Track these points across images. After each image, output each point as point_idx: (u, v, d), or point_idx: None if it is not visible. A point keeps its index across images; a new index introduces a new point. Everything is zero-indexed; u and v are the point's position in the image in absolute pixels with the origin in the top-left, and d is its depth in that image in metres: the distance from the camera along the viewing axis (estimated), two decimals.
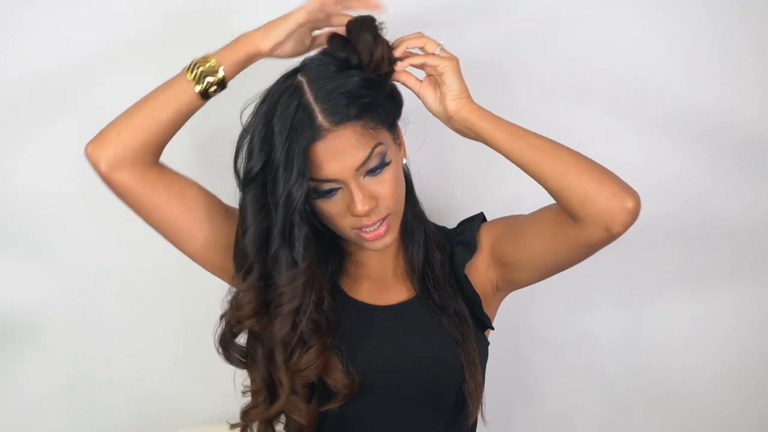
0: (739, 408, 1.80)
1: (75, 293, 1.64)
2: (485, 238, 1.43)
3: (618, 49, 1.66)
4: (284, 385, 1.31)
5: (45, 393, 1.70)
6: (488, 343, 1.45)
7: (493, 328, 1.44)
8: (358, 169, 1.27)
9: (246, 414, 1.36)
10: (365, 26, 1.30)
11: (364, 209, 1.27)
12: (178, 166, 1.36)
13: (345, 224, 1.30)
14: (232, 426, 1.39)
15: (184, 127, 1.49)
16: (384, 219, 1.31)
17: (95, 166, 1.30)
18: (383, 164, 1.29)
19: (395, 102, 1.35)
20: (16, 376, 1.69)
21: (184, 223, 1.34)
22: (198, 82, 1.30)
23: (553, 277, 1.42)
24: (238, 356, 1.35)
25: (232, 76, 1.32)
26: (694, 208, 1.72)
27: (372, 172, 1.29)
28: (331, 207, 1.29)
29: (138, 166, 1.30)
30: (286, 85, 1.28)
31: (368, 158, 1.27)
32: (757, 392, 1.79)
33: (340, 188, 1.28)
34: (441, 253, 1.42)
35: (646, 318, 1.78)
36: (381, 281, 1.42)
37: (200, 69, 1.30)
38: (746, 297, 1.76)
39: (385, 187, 1.30)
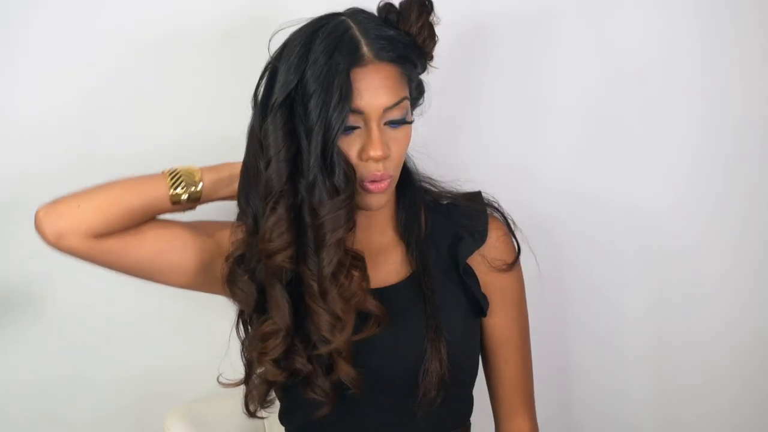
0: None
1: (75, 268, 1.64)
2: (492, 252, 1.41)
3: (620, 48, 1.66)
4: (344, 317, 1.27)
5: (44, 366, 1.69)
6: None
7: (485, 315, 1.42)
8: (386, 110, 1.26)
9: (263, 355, 1.31)
10: (414, 1, 1.31)
11: (378, 153, 1.25)
12: None
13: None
14: (223, 386, 1.38)
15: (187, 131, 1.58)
16: (389, 177, 1.29)
17: (41, 234, 1.30)
18: (404, 121, 1.29)
19: (422, 87, 1.35)
20: (16, 349, 1.69)
21: (161, 275, 1.37)
22: (173, 187, 1.32)
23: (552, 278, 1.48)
24: (244, 291, 1.32)
25: (208, 197, 1.35)
26: (692, 207, 1.72)
27: (393, 123, 1.28)
28: (344, 145, 1.26)
29: (91, 238, 1.30)
30: (329, 19, 1.28)
31: (397, 104, 1.26)
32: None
33: (358, 127, 1.26)
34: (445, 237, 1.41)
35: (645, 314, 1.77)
36: (376, 253, 1.39)
37: (180, 175, 1.33)
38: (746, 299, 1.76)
39: (399, 144, 1.29)
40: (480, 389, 1.47)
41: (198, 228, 1.39)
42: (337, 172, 1.24)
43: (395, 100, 1.26)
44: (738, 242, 1.72)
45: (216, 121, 1.64)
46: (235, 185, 1.34)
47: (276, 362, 1.31)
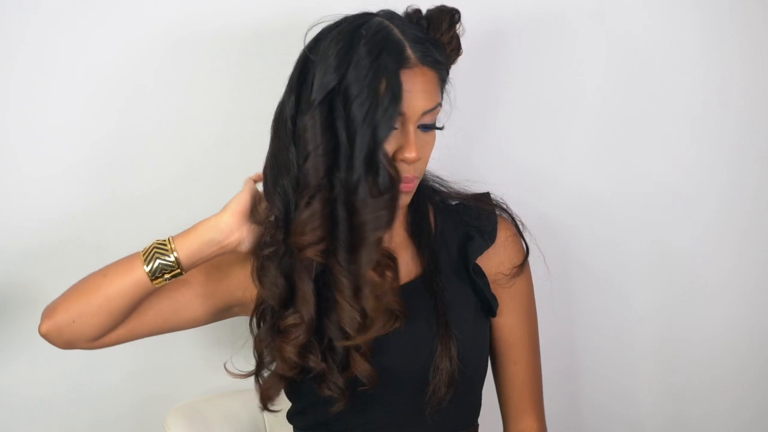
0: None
1: (75, 269, 1.63)
2: (502, 253, 1.43)
3: (626, 50, 1.66)
4: (373, 314, 1.27)
5: (44, 367, 1.68)
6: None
7: (494, 315, 1.42)
8: (423, 113, 1.26)
9: (284, 345, 1.30)
10: (445, 11, 1.31)
11: (413, 155, 1.25)
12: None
13: None
14: (232, 375, 1.39)
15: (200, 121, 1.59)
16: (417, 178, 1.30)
17: (53, 344, 1.35)
18: (434, 126, 1.30)
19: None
20: (15, 350, 1.67)
21: (180, 330, 1.42)
22: (147, 264, 1.30)
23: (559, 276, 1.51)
24: (272, 283, 1.30)
25: (192, 261, 1.30)
26: (697, 205, 1.72)
27: (426, 127, 1.28)
28: None
29: (97, 340, 1.34)
30: (367, 18, 1.27)
31: (433, 109, 1.27)
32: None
33: (395, 128, 1.25)
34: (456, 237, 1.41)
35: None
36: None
37: (153, 250, 1.30)
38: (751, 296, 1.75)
39: (429, 147, 1.30)
40: (487, 390, 1.47)
41: (201, 276, 1.39)
42: (381, 173, 1.22)
43: (433, 104, 1.27)
44: (743, 239, 1.73)
45: (234, 126, 1.64)
46: (215, 239, 1.31)
47: (297, 353, 1.30)
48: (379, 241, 1.24)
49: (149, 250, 1.31)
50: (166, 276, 1.30)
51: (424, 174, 1.40)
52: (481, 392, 1.45)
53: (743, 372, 1.77)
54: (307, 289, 1.28)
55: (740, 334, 1.76)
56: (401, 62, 1.23)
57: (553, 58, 1.66)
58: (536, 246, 1.46)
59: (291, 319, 1.30)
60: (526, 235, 1.45)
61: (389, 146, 1.24)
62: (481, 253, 1.40)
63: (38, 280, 1.65)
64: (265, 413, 1.57)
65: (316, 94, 1.21)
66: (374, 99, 1.19)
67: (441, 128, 1.31)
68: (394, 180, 1.23)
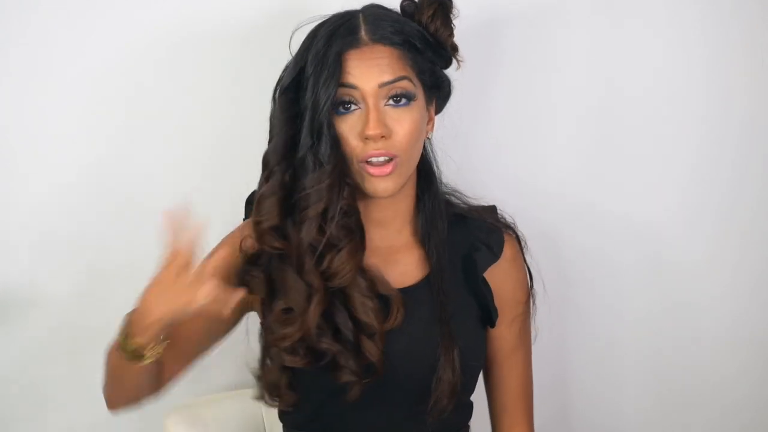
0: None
1: (75, 267, 1.65)
2: (505, 270, 1.43)
3: (624, 61, 1.67)
4: (315, 285, 1.28)
5: (43, 367, 1.69)
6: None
7: (493, 326, 1.42)
8: (381, 86, 1.27)
9: (281, 340, 1.30)
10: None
11: (375, 131, 1.26)
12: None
13: (354, 150, 1.28)
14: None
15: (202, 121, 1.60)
16: (392, 158, 1.29)
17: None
18: (407, 97, 1.29)
19: (442, 79, 1.36)
20: (15, 349, 1.68)
21: (220, 339, 1.42)
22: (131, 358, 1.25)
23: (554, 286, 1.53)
24: (258, 276, 1.31)
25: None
26: (695, 216, 1.72)
27: (394, 100, 1.29)
28: (345, 126, 1.28)
29: (157, 391, 1.38)
30: (342, 13, 1.31)
31: (393, 82, 1.28)
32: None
33: (355, 105, 1.28)
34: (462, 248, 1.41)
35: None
36: (392, 252, 1.39)
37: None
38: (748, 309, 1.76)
39: (403, 125, 1.29)
40: (476, 394, 1.46)
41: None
42: (323, 146, 1.26)
43: (391, 77, 1.28)
44: (740, 252, 1.73)
45: (235, 125, 1.64)
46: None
47: (293, 348, 1.30)
48: (317, 216, 1.27)
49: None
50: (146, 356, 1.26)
51: (443, 187, 1.42)
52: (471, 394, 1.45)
53: (739, 380, 1.77)
54: (292, 278, 1.29)
55: (735, 345, 1.76)
56: (348, 43, 1.27)
57: (551, 59, 1.67)
58: (531, 256, 1.46)
59: (287, 321, 1.29)
60: (526, 254, 1.45)
61: (355, 127, 1.28)
62: (489, 266, 1.40)
63: (39, 281, 1.66)
64: (265, 413, 1.58)
65: (285, 80, 1.30)
66: (318, 78, 1.26)
67: (414, 100, 1.30)
68: (334, 151, 1.27)
